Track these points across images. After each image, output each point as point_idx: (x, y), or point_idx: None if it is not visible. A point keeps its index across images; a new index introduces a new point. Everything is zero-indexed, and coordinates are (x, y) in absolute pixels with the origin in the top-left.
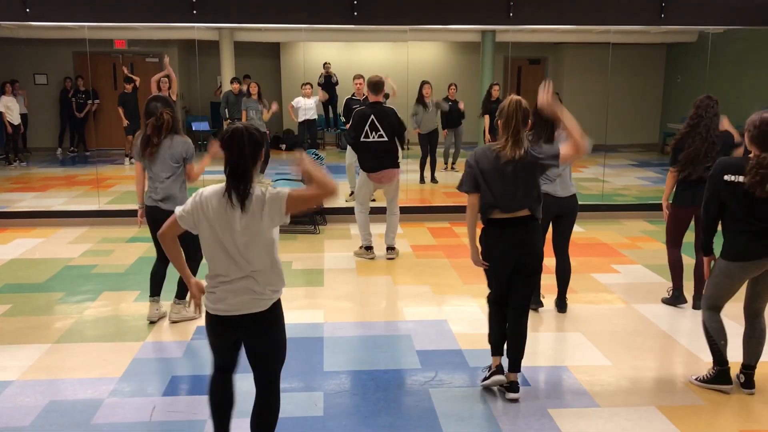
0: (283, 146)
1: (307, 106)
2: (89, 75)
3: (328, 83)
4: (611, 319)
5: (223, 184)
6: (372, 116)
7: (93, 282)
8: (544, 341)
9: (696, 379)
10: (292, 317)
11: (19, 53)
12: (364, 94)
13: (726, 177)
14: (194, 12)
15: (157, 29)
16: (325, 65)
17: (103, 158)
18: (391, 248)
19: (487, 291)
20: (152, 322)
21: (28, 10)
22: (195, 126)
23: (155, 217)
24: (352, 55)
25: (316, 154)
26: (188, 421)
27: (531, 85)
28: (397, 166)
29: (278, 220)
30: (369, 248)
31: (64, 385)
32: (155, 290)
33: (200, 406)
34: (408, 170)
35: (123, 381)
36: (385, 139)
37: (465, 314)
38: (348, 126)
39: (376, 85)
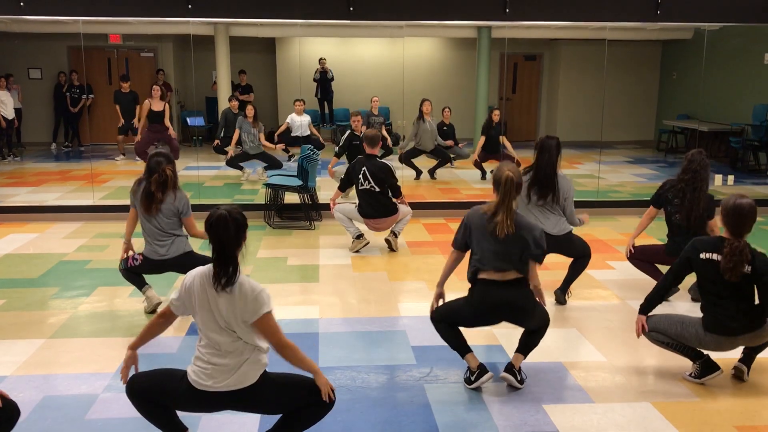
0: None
1: (300, 124)
2: (84, 69)
3: (324, 79)
4: (606, 315)
5: (206, 267)
6: (364, 168)
7: (87, 277)
8: None
9: (690, 376)
10: (287, 313)
11: (13, 47)
12: (362, 131)
13: (702, 255)
14: (189, 6)
15: (152, 24)
16: (321, 61)
17: (97, 153)
18: (395, 234)
19: None
20: (151, 312)
21: (22, 3)
22: (190, 121)
23: (159, 267)
24: (348, 51)
25: (312, 150)
26: (184, 415)
27: (527, 81)
28: (393, 212)
29: (245, 320)
30: (359, 236)
31: (59, 381)
32: (141, 283)
33: None
34: (403, 167)
35: (117, 376)
36: (378, 190)
37: None
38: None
39: (372, 139)
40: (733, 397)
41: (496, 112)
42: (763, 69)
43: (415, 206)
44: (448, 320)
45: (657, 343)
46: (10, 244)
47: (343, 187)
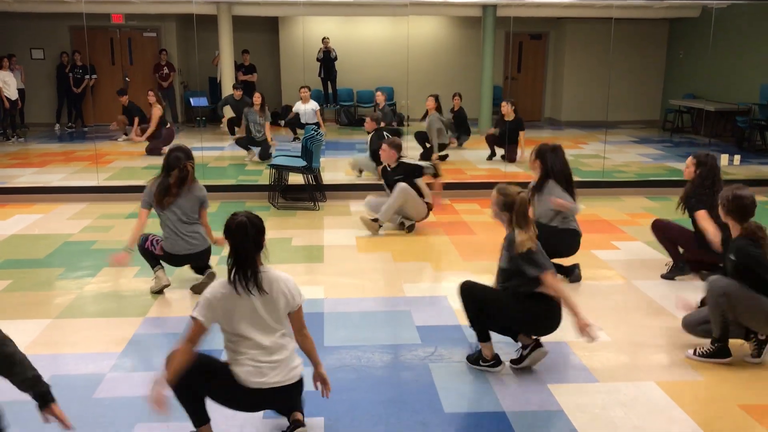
0: (282, 122)
1: (304, 111)
2: (86, 50)
3: (327, 58)
4: (611, 295)
5: (223, 281)
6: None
7: (93, 258)
8: None
9: (695, 354)
10: None
11: (16, 28)
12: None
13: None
14: None
15: (155, 3)
16: (324, 40)
17: (101, 134)
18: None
19: (488, 268)
20: (156, 292)
21: None
22: (194, 102)
23: (180, 261)
24: (352, 30)
25: (316, 130)
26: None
27: (532, 60)
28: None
29: (288, 311)
30: (376, 219)
31: (66, 360)
32: (155, 262)
33: None
34: (408, 147)
35: (124, 356)
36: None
37: None
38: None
39: (398, 147)
40: (737, 376)
41: (504, 104)
42: None
43: None
44: (481, 306)
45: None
46: (16, 225)
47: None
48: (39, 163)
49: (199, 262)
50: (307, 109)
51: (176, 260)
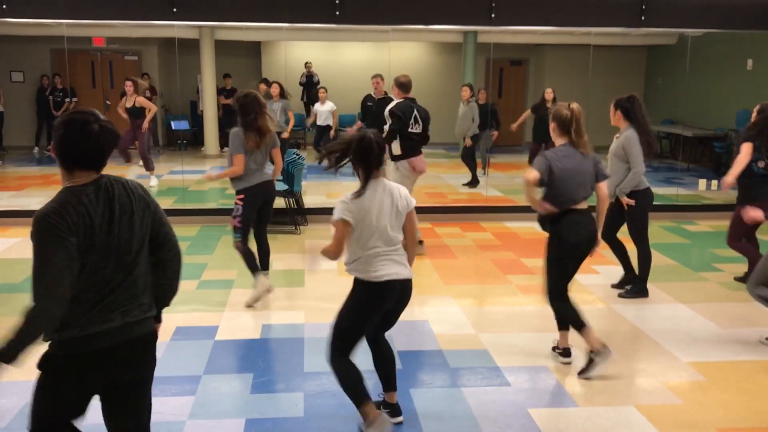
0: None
1: (321, 112)
2: (67, 73)
3: (310, 83)
4: (591, 319)
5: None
6: (416, 111)
7: None
8: (524, 341)
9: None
10: (273, 318)
11: None
12: (383, 93)
13: None
14: (174, 10)
15: (137, 27)
16: (307, 65)
17: None
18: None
19: (469, 292)
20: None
21: (4, 6)
22: (175, 125)
23: (261, 198)
24: (334, 55)
25: (297, 154)
26: (167, 422)
27: (512, 86)
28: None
29: (402, 211)
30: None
31: None
32: (255, 266)
33: (180, 407)
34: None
35: None
36: (420, 132)
37: (446, 315)
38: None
39: (405, 85)
40: (716, 400)
41: (549, 90)
42: (747, 75)
43: None
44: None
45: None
46: None
47: (390, 137)
48: (17, 186)
49: (269, 198)
50: (323, 109)
51: (253, 199)
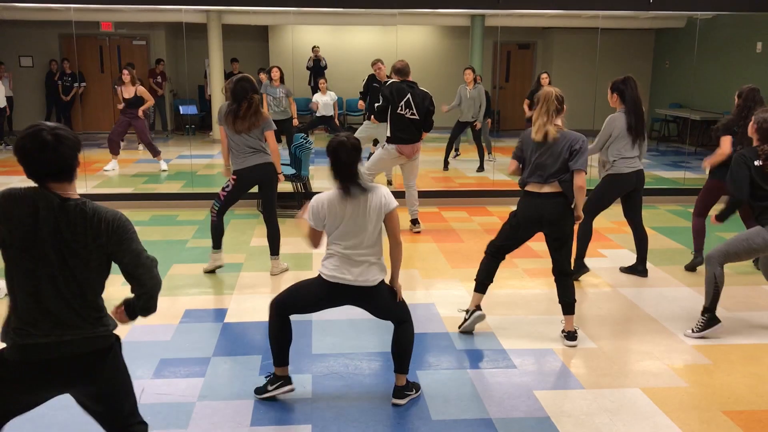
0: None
1: (324, 102)
2: (75, 57)
3: (317, 67)
4: (597, 302)
5: (331, 192)
6: (409, 95)
7: None
8: (531, 324)
9: (693, 331)
10: None
11: (4, 35)
12: (386, 77)
13: (755, 162)
14: None
15: (144, 11)
16: (314, 49)
17: (90, 141)
18: (416, 221)
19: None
20: (210, 272)
21: None
22: (183, 110)
23: (248, 181)
24: (341, 39)
25: (305, 138)
26: (177, 403)
27: (520, 69)
28: (420, 138)
29: (382, 213)
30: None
31: None
32: (219, 241)
33: (189, 389)
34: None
35: None
36: (417, 118)
37: (452, 298)
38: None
39: (403, 70)
40: (721, 383)
41: (545, 75)
42: (755, 58)
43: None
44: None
45: (714, 283)
46: None
47: (380, 117)
48: None
49: (266, 180)
50: (324, 99)
51: (245, 181)
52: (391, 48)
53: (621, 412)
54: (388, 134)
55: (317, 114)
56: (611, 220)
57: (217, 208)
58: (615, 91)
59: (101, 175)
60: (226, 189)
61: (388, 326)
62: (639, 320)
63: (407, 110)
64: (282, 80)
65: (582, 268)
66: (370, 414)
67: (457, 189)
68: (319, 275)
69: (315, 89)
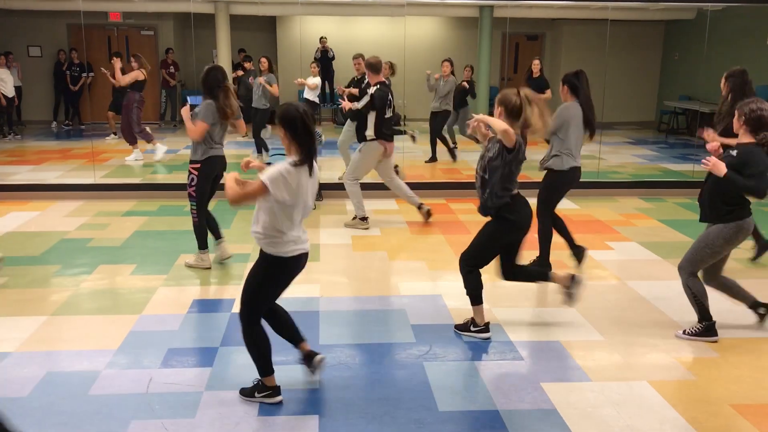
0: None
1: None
2: (84, 48)
3: (325, 58)
4: (604, 295)
5: (286, 165)
6: (390, 95)
7: (89, 255)
8: (538, 316)
9: (684, 333)
10: (288, 291)
11: (13, 25)
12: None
13: None
14: None
15: (153, 1)
16: (322, 39)
17: (98, 132)
18: (421, 205)
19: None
20: (228, 258)
21: None
22: (191, 100)
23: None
24: (349, 30)
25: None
26: (185, 393)
27: (528, 61)
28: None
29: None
30: (364, 219)
31: (61, 357)
32: (204, 242)
33: (197, 378)
34: (405, 147)
35: (120, 353)
36: (391, 115)
37: (460, 290)
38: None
39: (375, 66)
40: (729, 375)
41: (536, 62)
42: (766, 50)
43: (416, 186)
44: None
45: (691, 295)
46: (12, 222)
47: (358, 117)
48: (36, 160)
49: (222, 173)
50: (315, 81)
51: (209, 169)
52: (399, 39)
53: (628, 405)
54: (372, 133)
55: (304, 97)
56: (619, 212)
57: (195, 207)
58: (566, 84)
59: (108, 165)
60: (193, 184)
61: (396, 317)
62: (646, 313)
63: (389, 109)
64: (270, 69)
65: (547, 268)
66: (377, 405)
67: (465, 180)
68: (282, 257)
69: (323, 80)
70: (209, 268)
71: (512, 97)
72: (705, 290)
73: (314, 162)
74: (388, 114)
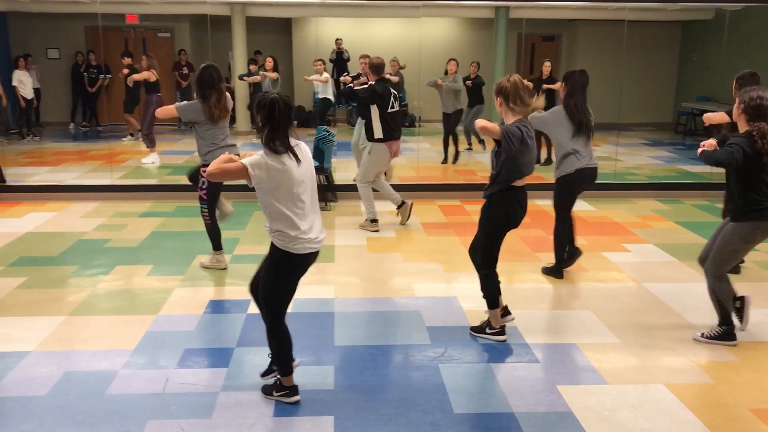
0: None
1: (317, 83)
2: (101, 50)
3: (340, 59)
4: (621, 297)
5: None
6: (391, 92)
7: (106, 256)
8: (554, 319)
9: (702, 336)
10: (303, 292)
11: (32, 28)
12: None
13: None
14: None
15: (169, 4)
16: (337, 41)
17: (115, 133)
18: (403, 202)
19: (498, 269)
20: (223, 269)
21: None
22: None
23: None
24: (365, 32)
25: (327, 131)
26: (201, 393)
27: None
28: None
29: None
30: (375, 221)
31: (79, 357)
32: (218, 243)
33: (213, 379)
34: (419, 148)
35: (136, 353)
36: (397, 109)
37: (475, 291)
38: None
39: (378, 66)
40: (747, 379)
41: (547, 64)
42: None
43: (430, 188)
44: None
45: (714, 297)
46: (30, 223)
47: (361, 111)
48: (53, 161)
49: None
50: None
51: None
52: (414, 40)
53: (644, 408)
54: (380, 135)
55: (319, 96)
56: (636, 214)
57: (206, 210)
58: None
59: (125, 166)
60: (204, 187)
61: (411, 319)
62: (663, 316)
63: (396, 104)
64: (275, 69)
65: (559, 273)
66: (392, 406)
67: (480, 182)
68: (289, 252)
69: (337, 81)
70: (225, 269)
71: (504, 83)
72: (730, 294)
73: (298, 150)
74: (395, 108)
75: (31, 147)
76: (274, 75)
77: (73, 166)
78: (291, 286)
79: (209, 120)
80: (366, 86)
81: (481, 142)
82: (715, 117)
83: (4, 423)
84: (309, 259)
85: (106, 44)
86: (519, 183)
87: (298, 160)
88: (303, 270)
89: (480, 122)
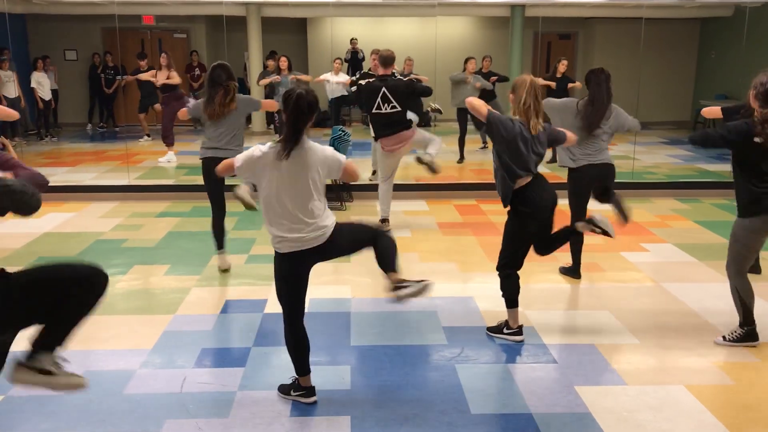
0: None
1: (332, 83)
2: (118, 51)
3: (355, 59)
4: (639, 297)
5: (266, 148)
6: (383, 89)
7: (124, 256)
8: (572, 319)
9: (725, 340)
10: (319, 292)
11: (50, 29)
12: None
13: (755, 139)
14: None
15: (185, 5)
16: (352, 41)
17: (132, 134)
18: (429, 157)
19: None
20: (224, 270)
21: None
22: None
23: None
24: (380, 31)
25: (343, 131)
26: (218, 393)
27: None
28: (409, 127)
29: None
30: (384, 220)
31: (97, 356)
32: (221, 242)
33: (230, 378)
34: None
35: (154, 353)
36: (399, 109)
37: (491, 291)
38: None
39: (386, 59)
40: None
41: (564, 62)
42: None
43: (446, 188)
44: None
45: (737, 296)
46: (49, 223)
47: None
48: (71, 162)
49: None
50: (337, 80)
51: (204, 168)
52: (430, 39)
53: (664, 409)
54: (373, 133)
55: (330, 97)
56: (654, 213)
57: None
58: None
59: (142, 167)
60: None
61: (427, 319)
62: (682, 316)
63: (386, 105)
64: (290, 68)
65: (576, 273)
66: (409, 406)
67: None
68: (277, 252)
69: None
70: (228, 270)
71: (517, 79)
72: (752, 292)
73: (298, 145)
74: (385, 109)
75: (49, 148)
76: (308, 78)
77: (91, 167)
78: (293, 287)
79: (208, 117)
80: (355, 87)
81: None
82: (711, 111)
83: (23, 422)
84: (300, 257)
85: (123, 45)
86: (521, 182)
87: (288, 155)
88: (300, 269)
89: (470, 99)
